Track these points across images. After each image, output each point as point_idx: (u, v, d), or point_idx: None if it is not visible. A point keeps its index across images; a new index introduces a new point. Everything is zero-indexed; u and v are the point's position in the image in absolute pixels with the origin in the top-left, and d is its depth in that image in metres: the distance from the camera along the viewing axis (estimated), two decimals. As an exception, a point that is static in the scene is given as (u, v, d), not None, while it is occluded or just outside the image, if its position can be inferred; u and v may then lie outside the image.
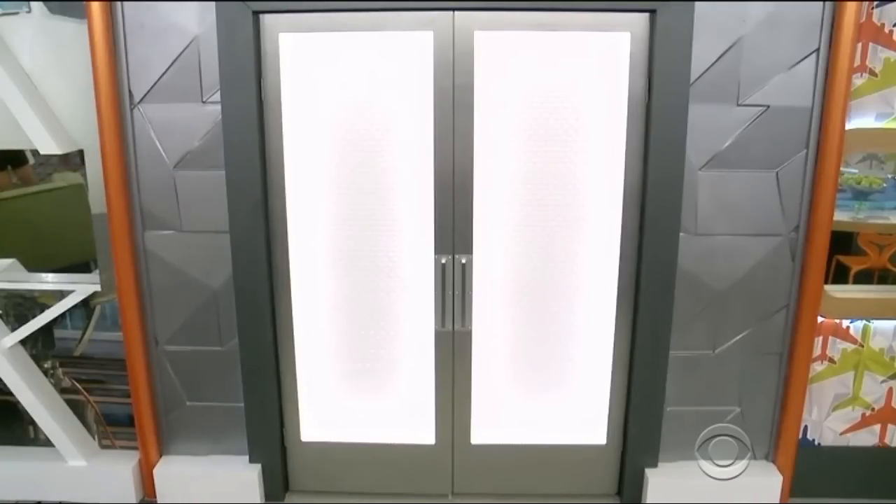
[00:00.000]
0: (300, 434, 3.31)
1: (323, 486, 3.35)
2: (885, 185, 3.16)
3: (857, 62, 2.80)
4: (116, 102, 2.85)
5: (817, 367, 3.16)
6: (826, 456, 3.25)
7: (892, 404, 3.21)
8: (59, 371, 3.35)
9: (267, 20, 2.85)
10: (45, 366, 3.32)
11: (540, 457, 3.28)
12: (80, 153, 2.99)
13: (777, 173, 2.92)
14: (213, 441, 3.29)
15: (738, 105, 2.84)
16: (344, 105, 2.93)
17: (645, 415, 3.15)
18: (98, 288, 3.10)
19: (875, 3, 2.77)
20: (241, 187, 2.95)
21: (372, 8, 2.78)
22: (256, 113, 2.88)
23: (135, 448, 3.29)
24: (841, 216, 3.00)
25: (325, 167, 3.00)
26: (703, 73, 2.80)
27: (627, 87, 2.86)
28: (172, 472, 3.25)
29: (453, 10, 2.79)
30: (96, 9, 2.74)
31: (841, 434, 3.25)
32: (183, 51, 2.84)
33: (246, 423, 3.22)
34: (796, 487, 3.20)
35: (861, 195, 3.15)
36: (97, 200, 3.00)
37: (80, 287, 3.12)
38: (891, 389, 3.19)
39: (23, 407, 3.23)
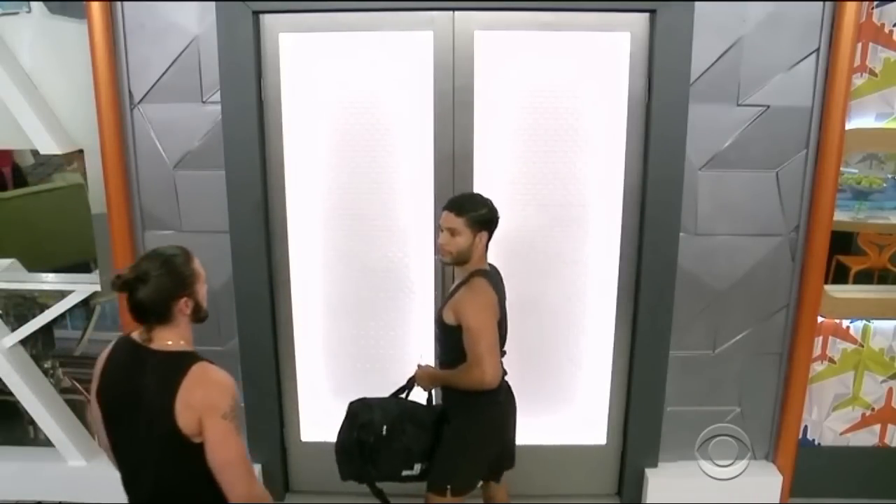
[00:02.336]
0: (300, 434, 3.31)
1: (323, 486, 3.35)
2: (885, 185, 3.16)
3: (857, 62, 2.80)
4: (116, 102, 2.85)
5: (817, 367, 3.16)
6: (826, 456, 3.25)
7: (892, 404, 3.20)
8: (59, 371, 3.35)
9: (267, 20, 2.85)
10: (45, 366, 3.32)
11: (540, 457, 3.28)
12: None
13: (777, 173, 2.91)
14: (213, 441, 3.28)
15: (738, 105, 2.84)
16: (344, 105, 2.92)
17: (645, 415, 3.15)
18: (98, 288, 3.10)
19: (875, 3, 2.77)
20: (241, 187, 2.95)
21: (372, 8, 2.78)
22: (256, 113, 2.88)
23: (135, 448, 3.28)
24: (841, 216, 3.00)
25: (325, 168, 2.99)
26: (703, 73, 2.80)
27: (627, 87, 2.86)
28: (172, 472, 3.25)
29: (453, 10, 2.79)
30: (96, 9, 2.74)
31: (841, 434, 3.25)
32: (183, 51, 2.84)
33: (246, 423, 3.22)
34: (796, 487, 3.20)
35: (861, 195, 3.15)
36: (97, 200, 3.00)
37: (80, 287, 3.12)
38: (891, 389, 3.19)
39: (23, 407, 3.22)
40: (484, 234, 2.43)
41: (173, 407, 1.74)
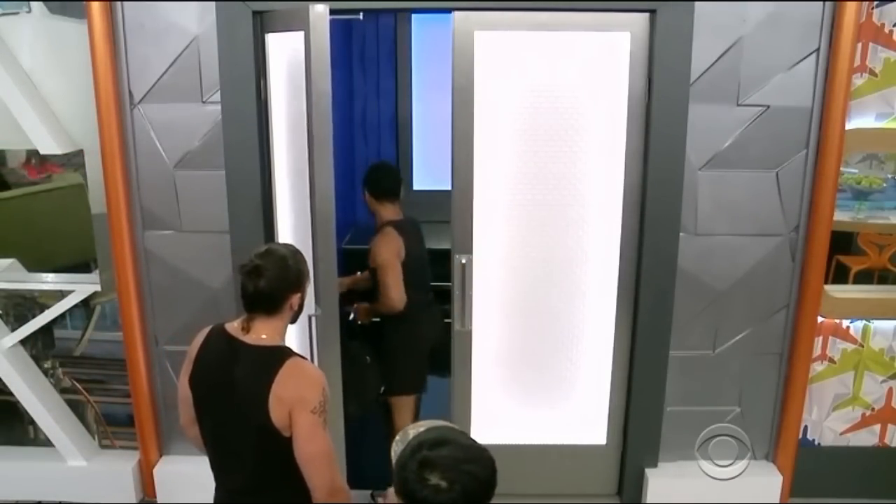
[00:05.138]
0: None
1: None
2: (885, 185, 3.15)
3: (857, 62, 2.80)
4: (116, 102, 2.85)
5: (817, 367, 3.16)
6: (826, 456, 3.25)
7: (892, 404, 3.20)
8: (59, 371, 3.34)
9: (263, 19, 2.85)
10: (45, 366, 3.31)
11: (540, 457, 3.27)
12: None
13: (777, 173, 2.91)
14: (213, 441, 3.28)
15: (738, 105, 2.84)
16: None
17: (645, 415, 3.15)
18: (98, 288, 3.10)
19: (875, 3, 2.77)
20: (241, 187, 2.94)
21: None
22: (256, 113, 2.88)
23: (135, 448, 3.28)
24: (841, 216, 2.99)
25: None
26: (703, 73, 2.80)
27: (627, 87, 2.86)
28: (172, 472, 3.25)
29: (453, 10, 2.79)
30: (96, 9, 2.74)
31: (841, 434, 3.25)
32: (183, 51, 2.84)
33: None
34: (796, 487, 3.19)
35: (861, 195, 3.15)
36: (97, 200, 3.00)
37: (80, 287, 3.12)
38: (891, 389, 3.19)
39: (23, 407, 3.22)
40: (368, 194, 3.15)
41: (267, 400, 1.79)
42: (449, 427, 1.44)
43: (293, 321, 2.00)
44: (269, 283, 1.86)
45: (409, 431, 1.46)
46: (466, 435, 1.38)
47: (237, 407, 1.85)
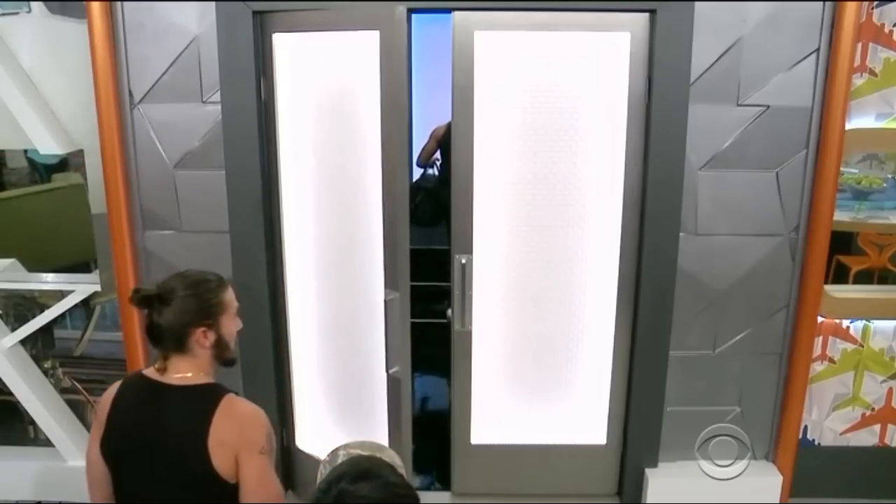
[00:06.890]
0: (297, 440, 3.30)
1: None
2: (885, 185, 3.16)
3: (857, 62, 2.80)
4: (116, 102, 2.85)
5: (817, 367, 3.16)
6: (826, 456, 3.25)
7: (892, 404, 3.20)
8: (59, 371, 3.35)
9: (267, 19, 2.85)
10: (45, 366, 3.32)
11: (540, 457, 3.28)
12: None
13: (777, 173, 2.91)
14: (213, 441, 3.28)
15: (738, 105, 2.84)
16: (342, 104, 2.92)
17: (645, 415, 3.15)
18: (98, 288, 3.10)
19: (875, 3, 2.77)
20: (241, 187, 2.95)
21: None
22: (256, 113, 2.88)
23: (135, 448, 3.28)
24: (841, 216, 3.00)
25: (317, 169, 2.99)
26: (703, 73, 2.80)
27: (627, 87, 2.86)
28: (172, 472, 3.25)
29: (453, 10, 2.79)
30: (96, 9, 2.74)
31: (841, 434, 3.25)
32: (183, 51, 2.84)
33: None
34: (796, 487, 3.19)
35: (861, 195, 3.15)
36: (97, 200, 3.00)
37: (80, 287, 3.12)
38: (891, 389, 3.19)
39: (23, 407, 3.22)
40: None
41: (206, 446, 1.61)
42: (376, 459, 1.30)
43: (223, 362, 1.76)
44: (165, 316, 1.64)
45: (340, 452, 1.35)
46: (393, 469, 1.26)
47: (166, 458, 1.64)
